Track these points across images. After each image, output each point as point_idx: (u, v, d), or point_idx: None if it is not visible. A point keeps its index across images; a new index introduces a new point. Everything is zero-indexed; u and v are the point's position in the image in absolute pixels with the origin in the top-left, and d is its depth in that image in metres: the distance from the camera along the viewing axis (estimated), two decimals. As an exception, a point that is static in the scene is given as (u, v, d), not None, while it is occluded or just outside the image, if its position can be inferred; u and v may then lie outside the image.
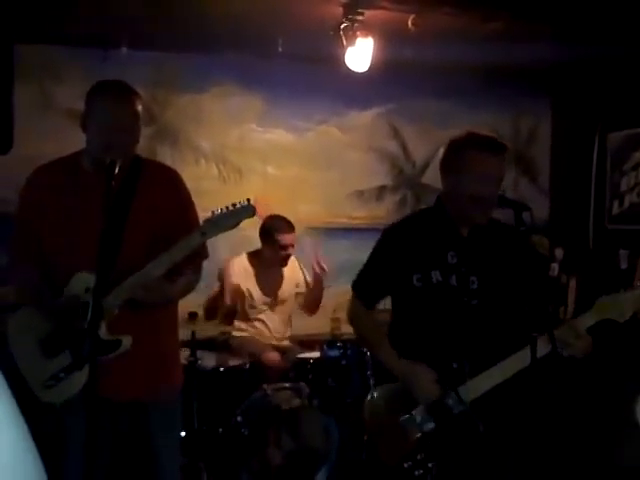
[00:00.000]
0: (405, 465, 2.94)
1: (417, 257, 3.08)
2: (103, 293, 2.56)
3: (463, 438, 2.96)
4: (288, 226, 5.27)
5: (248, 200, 2.81)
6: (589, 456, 4.59)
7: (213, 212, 2.78)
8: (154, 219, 2.88)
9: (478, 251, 3.10)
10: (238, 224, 2.81)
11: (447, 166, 3.12)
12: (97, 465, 2.60)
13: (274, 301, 5.42)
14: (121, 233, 2.77)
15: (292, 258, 5.56)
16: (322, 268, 5.26)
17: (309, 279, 5.44)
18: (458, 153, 3.08)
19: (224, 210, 2.77)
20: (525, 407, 3.06)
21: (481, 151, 3.03)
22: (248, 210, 2.78)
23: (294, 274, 5.50)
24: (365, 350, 4.66)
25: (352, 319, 3.31)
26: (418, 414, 2.97)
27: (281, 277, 5.42)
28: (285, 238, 5.20)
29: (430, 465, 2.93)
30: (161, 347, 2.98)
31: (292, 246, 5.28)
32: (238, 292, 5.32)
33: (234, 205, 2.78)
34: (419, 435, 2.96)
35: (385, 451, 3.06)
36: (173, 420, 3.11)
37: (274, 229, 5.23)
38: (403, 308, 3.19)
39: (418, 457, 2.94)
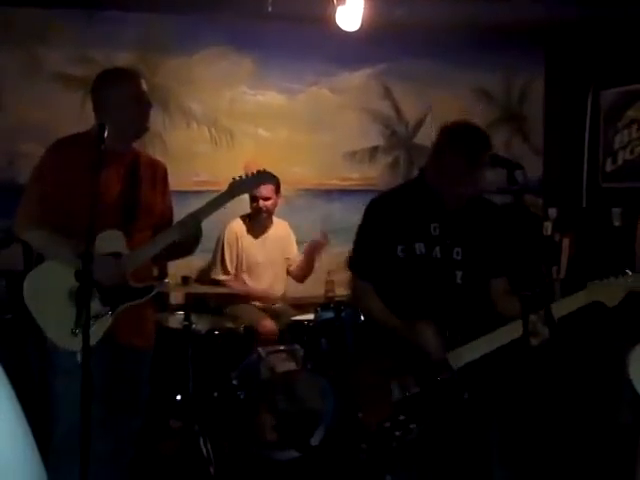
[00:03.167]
0: (386, 425, 3.01)
1: (401, 229, 3.14)
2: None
3: (446, 403, 3.02)
4: (268, 177, 5.30)
5: (264, 169, 3.40)
6: (591, 417, 4.64)
7: (234, 178, 3.33)
8: (155, 201, 3.34)
9: (462, 223, 3.17)
10: (258, 187, 3.72)
11: (434, 151, 3.18)
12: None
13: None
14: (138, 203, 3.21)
15: (281, 221, 5.58)
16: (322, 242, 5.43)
17: (299, 257, 5.57)
18: (440, 150, 3.14)
19: (244, 176, 3.34)
20: (515, 376, 3.13)
21: (461, 160, 3.05)
22: (267, 176, 3.43)
23: (283, 237, 5.56)
24: (359, 312, 4.67)
25: (356, 298, 3.41)
26: (404, 378, 3.04)
27: (265, 227, 5.52)
28: (259, 190, 5.22)
29: (411, 426, 3.00)
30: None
31: (266, 199, 5.33)
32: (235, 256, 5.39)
33: (252, 173, 3.36)
34: (402, 397, 3.03)
35: (366, 411, 3.10)
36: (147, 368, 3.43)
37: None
38: (389, 279, 3.22)
39: (400, 418, 3.01)
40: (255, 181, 3.41)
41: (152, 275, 3.46)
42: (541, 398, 3.18)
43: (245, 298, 5.38)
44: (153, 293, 3.21)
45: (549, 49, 7.01)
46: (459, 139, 3.08)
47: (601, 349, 4.76)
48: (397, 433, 3.00)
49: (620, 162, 6.48)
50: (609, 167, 6.57)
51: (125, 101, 3.15)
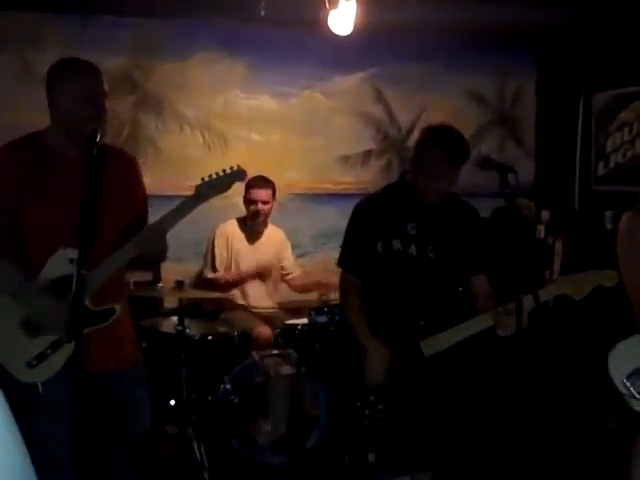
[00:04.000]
0: (357, 404, 3.35)
1: (381, 226, 3.45)
2: (87, 267, 2.59)
3: (416, 388, 3.33)
4: (261, 182, 5.30)
5: (238, 166, 2.98)
6: (579, 422, 4.65)
7: (203, 179, 2.92)
8: (122, 206, 2.99)
9: (436, 223, 3.44)
10: (230, 187, 2.98)
11: (415, 149, 3.45)
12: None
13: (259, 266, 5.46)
14: (97, 210, 2.73)
15: (275, 228, 5.58)
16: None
17: (297, 269, 5.64)
18: (421, 146, 3.40)
19: (215, 175, 2.93)
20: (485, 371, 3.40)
21: (441, 153, 3.27)
22: (239, 174, 2.98)
23: (278, 244, 5.56)
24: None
25: (341, 295, 3.70)
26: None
27: (259, 233, 5.50)
28: (256, 193, 5.26)
29: (380, 407, 3.32)
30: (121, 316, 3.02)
31: (264, 202, 5.32)
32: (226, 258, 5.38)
33: (224, 171, 2.95)
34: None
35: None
36: (139, 386, 3.15)
37: (249, 187, 5.28)
38: (370, 273, 3.52)
39: (371, 399, 3.33)
40: (226, 180, 2.95)
41: (117, 293, 3.00)
42: (524, 400, 3.31)
43: (240, 305, 5.38)
44: (114, 317, 2.89)
45: (541, 52, 7.03)
46: (440, 135, 3.33)
47: (583, 352, 4.77)
48: (366, 412, 3.32)
49: (612, 165, 6.50)
50: (601, 170, 6.59)
51: (68, 97, 2.83)
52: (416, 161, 3.40)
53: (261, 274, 5.49)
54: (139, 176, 3.17)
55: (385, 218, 3.46)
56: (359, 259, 3.52)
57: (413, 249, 3.42)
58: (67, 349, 2.76)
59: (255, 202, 5.32)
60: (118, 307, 2.91)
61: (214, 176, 2.93)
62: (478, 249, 3.51)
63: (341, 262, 3.64)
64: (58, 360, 2.79)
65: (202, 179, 2.92)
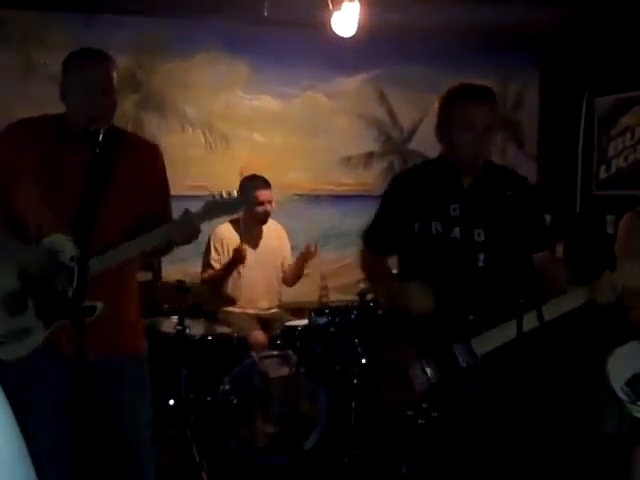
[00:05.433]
0: (408, 413, 2.95)
1: (419, 206, 3.08)
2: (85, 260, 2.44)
3: (467, 393, 2.96)
4: (264, 182, 5.30)
5: (238, 192, 2.86)
6: (571, 427, 4.64)
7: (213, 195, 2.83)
8: (134, 196, 2.89)
9: (482, 202, 3.07)
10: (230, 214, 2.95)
11: (439, 119, 3.11)
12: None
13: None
14: (98, 205, 2.62)
15: (277, 225, 5.56)
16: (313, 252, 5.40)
17: (291, 260, 5.56)
18: (446, 106, 3.08)
19: (220, 198, 2.82)
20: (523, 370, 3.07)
21: (466, 101, 3.01)
22: (235, 205, 2.87)
23: (278, 239, 5.54)
24: (353, 317, 4.67)
25: (364, 268, 3.36)
26: (427, 364, 2.97)
27: (260, 234, 5.46)
28: (262, 194, 5.22)
29: (434, 415, 2.94)
30: (123, 308, 2.95)
31: (269, 202, 5.30)
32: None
33: (229, 193, 2.83)
34: (426, 385, 2.96)
35: (390, 400, 3.06)
36: (139, 386, 3.04)
37: (251, 187, 5.26)
38: (408, 258, 3.19)
39: (423, 406, 2.94)
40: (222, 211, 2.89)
41: (112, 289, 2.84)
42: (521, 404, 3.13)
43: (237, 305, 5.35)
44: (95, 315, 2.72)
45: (544, 55, 7.03)
46: (465, 90, 3.07)
47: (580, 358, 4.77)
48: (420, 421, 2.94)
49: (613, 170, 6.50)
50: (603, 174, 6.59)
51: (73, 90, 2.80)
52: (446, 129, 3.06)
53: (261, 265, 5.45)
54: (160, 165, 3.06)
55: (424, 197, 3.09)
56: (386, 242, 3.22)
57: (456, 232, 3.03)
58: (37, 337, 2.73)
59: (263, 203, 5.28)
60: (100, 305, 2.74)
61: (212, 199, 2.84)
62: (536, 223, 3.17)
63: (365, 236, 3.30)
64: (27, 345, 2.74)
65: (213, 196, 2.84)
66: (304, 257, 5.46)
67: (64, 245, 2.68)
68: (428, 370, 2.97)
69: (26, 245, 2.79)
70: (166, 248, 3.01)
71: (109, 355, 2.84)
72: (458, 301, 2.99)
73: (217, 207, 2.84)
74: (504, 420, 3.05)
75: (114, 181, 2.76)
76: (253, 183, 5.24)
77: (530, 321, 2.66)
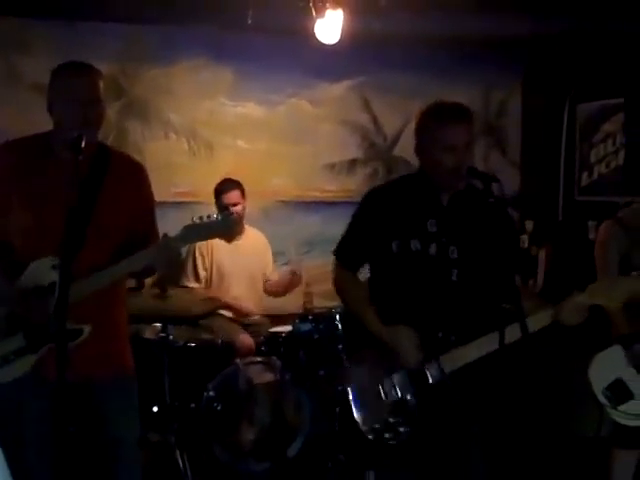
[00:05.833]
0: (376, 426, 2.97)
1: (397, 224, 3.06)
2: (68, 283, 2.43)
3: (437, 408, 2.97)
4: (228, 184, 5.30)
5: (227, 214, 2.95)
6: (552, 431, 4.66)
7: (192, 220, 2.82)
8: (119, 215, 2.90)
9: (458, 220, 3.08)
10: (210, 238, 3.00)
11: (418, 139, 3.13)
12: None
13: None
14: (88, 220, 2.74)
15: (258, 233, 5.56)
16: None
17: (275, 275, 5.58)
18: (423, 128, 3.12)
19: (199, 220, 2.82)
20: (497, 384, 3.08)
21: (442, 122, 3.05)
22: (225, 228, 2.87)
23: (259, 249, 5.54)
24: (337, 324, 4.67)
25: (337, 287, 3.26)
26: (397, 380, 2.99)
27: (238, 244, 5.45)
28: (227, 197, 5.23)
29: (401, 430, 2.95)
30: (110, 327, 2.96)
31: (236, 204, 5.26)
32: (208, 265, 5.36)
33: (209, 216, 2.83)
34: (395, 400, 2.98)
35: (362, 414, 3.05)
36: (128, 401, 3.08)
37: (220, 192, 5.28)
38: (382, 275, 3.17)
39: (390, 420, 2.96)
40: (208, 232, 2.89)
41: (98, 311, 2.84)
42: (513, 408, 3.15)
43: (218, 308, 5.34)
44: (80, 339, 2.75)
45: (527, 63, 7.06)
46: (441, 111, 3.14)
47: (562, 362, 4.79)
48: (386, 435, 2.96)
49: (595, 176, 6.55)
50: (585, 181, 6.64)
51: (60, 101, 2.81)
52: (424, 142, 3.10)
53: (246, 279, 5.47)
54: (145, 185, 3.05)
55: (402, 214, 3.07)
56: (359, 257, 3.18)
57: (433, 249, 3.02)
58: (30, 360, 2.76)
59: (227, 206, 5.26)
60: (87, 329, 2.77)
61: (198, 220, 2.82)
62: (508, 247, 3.12)
63: (337, 253, 3.24)
64: (18, 369, 2.77)
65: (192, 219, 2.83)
66: (290, 283, 5.46)
67: (47, 271, 2.70)
68: (397, 386, 3.00)
69: (10, 281, 2.78)
70: (147, 272, 3.00)
71: (96, 377, 2.87)
72: (431, 317, 3.01)
73: (196, 230, 2.82)
74: (475, 432, 3.09)
75: (102, 197, 2.80)
76: (222, 188, 5.26)
77: (509, 334, 2.66)
